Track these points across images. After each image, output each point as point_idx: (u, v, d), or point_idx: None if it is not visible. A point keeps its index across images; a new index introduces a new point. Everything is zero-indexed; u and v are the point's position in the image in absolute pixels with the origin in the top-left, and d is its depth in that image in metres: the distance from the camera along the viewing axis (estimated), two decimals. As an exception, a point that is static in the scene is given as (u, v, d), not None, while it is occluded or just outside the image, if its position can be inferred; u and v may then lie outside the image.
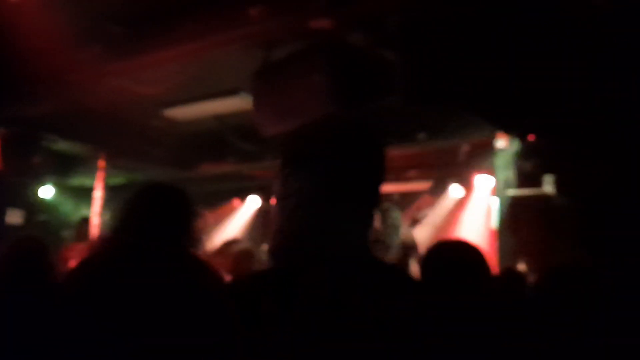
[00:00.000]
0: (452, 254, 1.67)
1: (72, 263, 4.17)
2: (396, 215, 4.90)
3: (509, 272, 3.11)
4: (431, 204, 6.33)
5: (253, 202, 8.61)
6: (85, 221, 5.26)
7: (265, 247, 7.12)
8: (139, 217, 1.64)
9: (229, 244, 3.15)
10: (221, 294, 1.67)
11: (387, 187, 7.46)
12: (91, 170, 5.92)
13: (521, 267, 3.95)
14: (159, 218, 1.64)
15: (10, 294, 1.95)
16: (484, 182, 5.50)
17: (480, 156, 4.93)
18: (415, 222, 4.62)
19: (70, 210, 6.86)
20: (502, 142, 4.20)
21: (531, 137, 4.03)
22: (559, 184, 3.98)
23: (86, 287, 1.53)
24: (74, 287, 1.56)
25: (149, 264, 1.57)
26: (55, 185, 6.67)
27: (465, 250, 1.67)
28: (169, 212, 1.66)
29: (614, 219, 3.53)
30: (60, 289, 1.70)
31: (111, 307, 1.48)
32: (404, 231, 4.91)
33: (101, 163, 5.67)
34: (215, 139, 5.62)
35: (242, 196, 8.52)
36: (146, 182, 1.78)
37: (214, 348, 1.61)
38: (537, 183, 4.07)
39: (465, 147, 4.76)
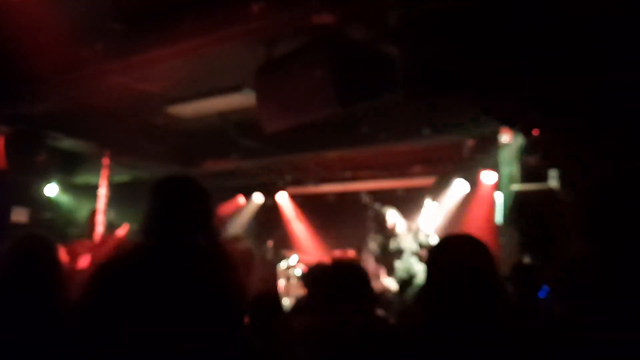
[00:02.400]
0: (458, 249, 1.61)
1: (81, 260, 4.20)
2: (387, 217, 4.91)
3: (521, 267, 3.07)
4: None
5: (256, 199, 8.64)
6: (94, 214, 5.29)
7: (270, 243, 7.11)
8: (160, 214, 1.63)
9: (231, 242, 3.16)
10: (241, 290, 1.70)
11: (392, 183, 7.47)
12: (95, 168, 5.94)
13: (526, 261, 3.94)
14: (180, 213, 1.63)
15: (17, 292, 1.92)
16: (488, 177, 5.48)
17: (485, 151, 4.90)
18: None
19: (75, 207, 6.90)
20: (506, 137, 4.17)
21: (535, 132, 4.00)
22: (563, 179, 3.95)
23: (110, 288, 1.53)
24: (98, 287, 1.56)
25: (171, 263, 1.57)
26: (60, 183, 6.70)
27: (471, 245, 1.61)
28: (189, 206, 1.65)
29: (619, 213, 3.50)
30: (83, 289, 1.66)
31: (133, 309, 1.49)
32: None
33: (105, 160, 5.69)
34: (219, 136, 5.63)
35: (246, 193, 8.54)
36: (164, 177, 1.74)
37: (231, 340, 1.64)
38: (542, 178, 4.03)
39: (469, 143, 4.74)
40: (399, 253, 4.77)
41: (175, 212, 1.63)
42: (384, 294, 4.68)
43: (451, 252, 1.62)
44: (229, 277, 1.66)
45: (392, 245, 4.78)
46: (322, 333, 2.05)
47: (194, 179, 1.74)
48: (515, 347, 1.44)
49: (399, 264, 4.76)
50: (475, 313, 1.48)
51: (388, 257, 4.86)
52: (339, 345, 1.97)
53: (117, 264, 1.64)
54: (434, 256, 1.64)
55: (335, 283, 2.28)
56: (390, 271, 4.89)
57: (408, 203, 6.54)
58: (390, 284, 4.83)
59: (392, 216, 4.83)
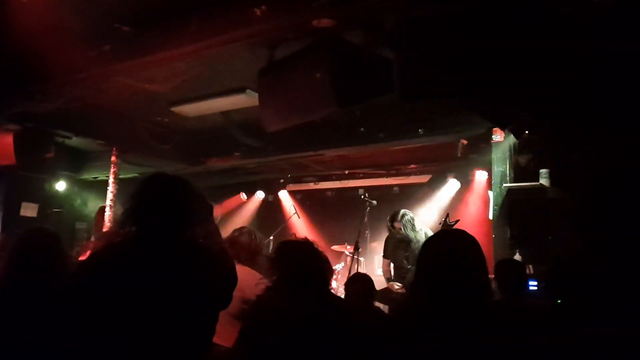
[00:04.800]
0: (447, 244, 1.68)
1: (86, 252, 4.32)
2: (409, 217, 5.07)
3: (503, 262, 3.16)
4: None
5: (258, 195, 8.77)
6: (103, 210, 5.40)
7: (271, 239, 7.23)
8: (145, 209, 1.70)
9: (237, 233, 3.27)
10: (225, 280, 1.78)
11: (388, 181, 7.61)
12: (103, 165, 6.03)
13: (516, 257, 4.06)
14: (163, 208, 1.69)
15: (22, 283, 1.97)
16: (481, 176, 5.58)
17: (478, 151, 5.01)
18: (446, 227, 4.72)
19: (83, 203, 7.01)
20: (498, 137, 4.26)
21: (526, 133, 4.09)
22: (553, 177, 4.04)
23: (96, 279, 1.61)
24: (85, 280, 1.64)
25: (154, 256, 1.64)
26: (69, 179, 6.81)
27: (459, 240, 1.68)
28: (172, 201, 1.71)
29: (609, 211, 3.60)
30: (71, 280, 1.75)
31: (119, 299, 1.56)
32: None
33: (112, 158, 5.78)
34: (222, 135, 5.70)
35: (248, 190, 8.66)
36: (149, 174, 1.82)
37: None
38: (533, 176, 4.13)
39: (463, 143, 4.83)
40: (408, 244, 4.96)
41: (157, 207, 1.69)
42: (390, 293, 4.86)
43: (440, 247, 1.67)
44: (209, 270, 1.70)
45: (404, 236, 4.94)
46: (287, 319, 2.04)
47: (180, 177, 1.80)
48: (495, 340, 1.47)
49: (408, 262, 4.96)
50: (460, 306, 1.52)
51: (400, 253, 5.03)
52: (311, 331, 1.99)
53: (101, 256, 1.71)
54: (424, 250, 1.70)
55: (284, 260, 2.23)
56: (399, 269, 5.07)
57: (403, 199, 6.68)
58: (395, 285, 5.00)
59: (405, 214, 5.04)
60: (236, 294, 1.86)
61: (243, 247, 3.10)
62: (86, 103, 4.81)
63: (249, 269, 2.93)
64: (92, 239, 4.97)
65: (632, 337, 1.36)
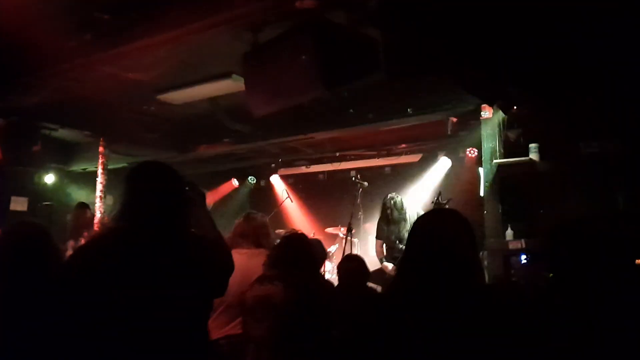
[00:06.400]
0: (437, 222, 1.68)
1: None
2: (396, 200, 5.15)
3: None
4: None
5: (250, 181, 8.78)
6: (81, 206, 5.38)
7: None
8: (132, 199, 1.71)
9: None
10: (218, 268, 1.78)
11: (379, 161, 7.62)
12: (91, 156, 6.00)
13: (508, 233, 4.11)
14: (151, 198, 1.70)
15: (12, 279, 1.94)
16: (471, 153, 5.62)
17: (467, 128, 5.02)
18: (438, 206, 4.77)
19: (72, 195, 6.99)
20: (487, 114, 4.27)
21: (514, 109, 4.10)
22: (542, 152, 4.08)
23: (89, 271, 1.61)
24: (78, 272, 1.64)
25: (145, 246, 1.65)
26: (57, 171, 6.77)
27: (448, 219, 1.68)
28: (160, 190, 1.72)
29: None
30: (61, 272, 1.74)
31: (109, 289, 1.57)
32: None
33: (100, 149, 5.75)
34: (210, 121, 5.68)
35: (240, 175, 8.65)
36: (136, 163, 1.82)
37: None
38: (523, 151, 4.16)
39: (452, 120, 4.84)
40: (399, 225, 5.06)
41: (146, 196, 1.69)
42: (383, 274, 4.96)
43: (430, 225, 1.67)
44: (200, 259, 1.71)
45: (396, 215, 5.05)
46: (267, 301, 2.13)
47: (166, 165, 1.80)
48: (482, 320, 1.46)
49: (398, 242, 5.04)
50: (448, 284, 1.50)
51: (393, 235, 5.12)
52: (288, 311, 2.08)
53: (91, 247, 1.72)
54: (414, 228, 1.70)
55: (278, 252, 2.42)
56: (391, 250, 5.15)
57: (395, 180, 6.72)
58: (389, 265, 5.09)
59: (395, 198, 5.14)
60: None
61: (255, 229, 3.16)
62: (70, 94, 4.76)
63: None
64: (70, 237, 4.94)
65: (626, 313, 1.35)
